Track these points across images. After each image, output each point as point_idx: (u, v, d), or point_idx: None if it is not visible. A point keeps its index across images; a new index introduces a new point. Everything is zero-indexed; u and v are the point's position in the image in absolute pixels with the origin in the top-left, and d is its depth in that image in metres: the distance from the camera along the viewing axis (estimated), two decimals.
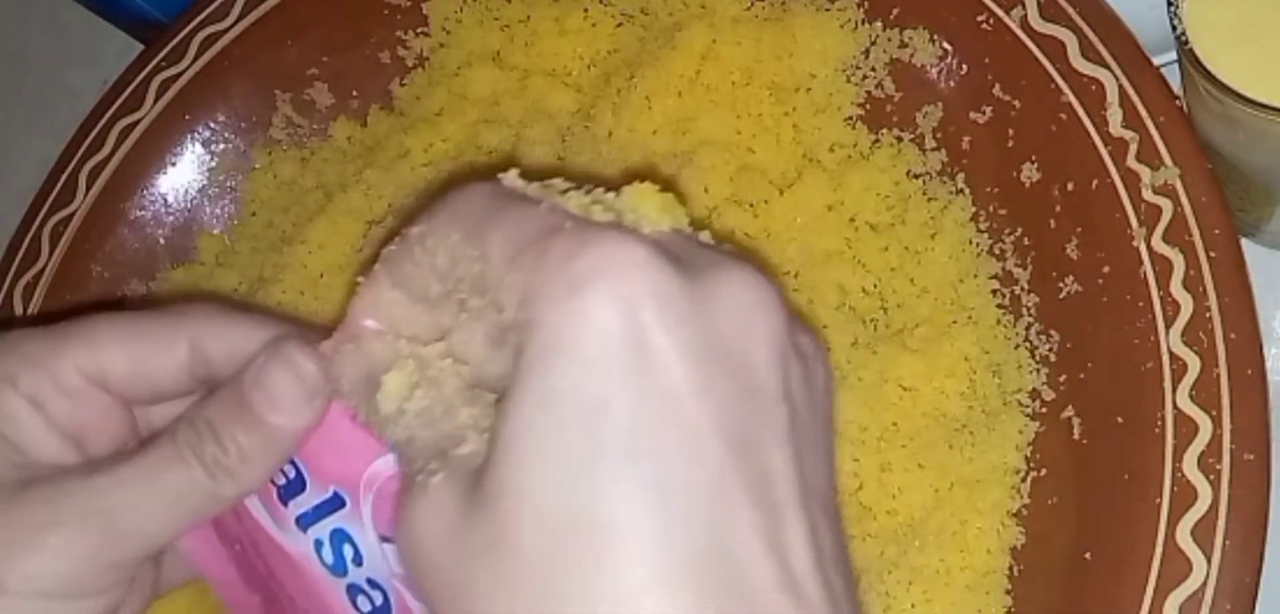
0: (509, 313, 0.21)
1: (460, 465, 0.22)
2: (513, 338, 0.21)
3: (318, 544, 0.27)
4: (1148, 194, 0.35)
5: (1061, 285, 0.36)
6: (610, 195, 0.23)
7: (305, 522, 0.27)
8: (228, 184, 0.48)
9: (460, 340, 0.23)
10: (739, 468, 0.20)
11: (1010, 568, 0.35)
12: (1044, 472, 0.36)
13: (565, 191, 0.24)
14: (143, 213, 0.47)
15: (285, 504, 0.27)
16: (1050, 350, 0.37)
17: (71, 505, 0.26)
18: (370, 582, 0.27)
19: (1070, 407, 0.36)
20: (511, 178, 0.24)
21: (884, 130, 0.41)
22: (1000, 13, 0.39)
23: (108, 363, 0.27)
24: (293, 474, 0.27)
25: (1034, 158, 0.38)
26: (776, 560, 0.20)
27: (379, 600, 0.27)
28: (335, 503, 0.27)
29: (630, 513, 0.20)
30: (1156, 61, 0.36)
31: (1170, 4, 0.33)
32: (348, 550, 0.27)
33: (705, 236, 0.24)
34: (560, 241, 0.21)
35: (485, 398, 0.23)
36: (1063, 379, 0.36)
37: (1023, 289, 0.38)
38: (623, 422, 0.20)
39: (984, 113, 0.39)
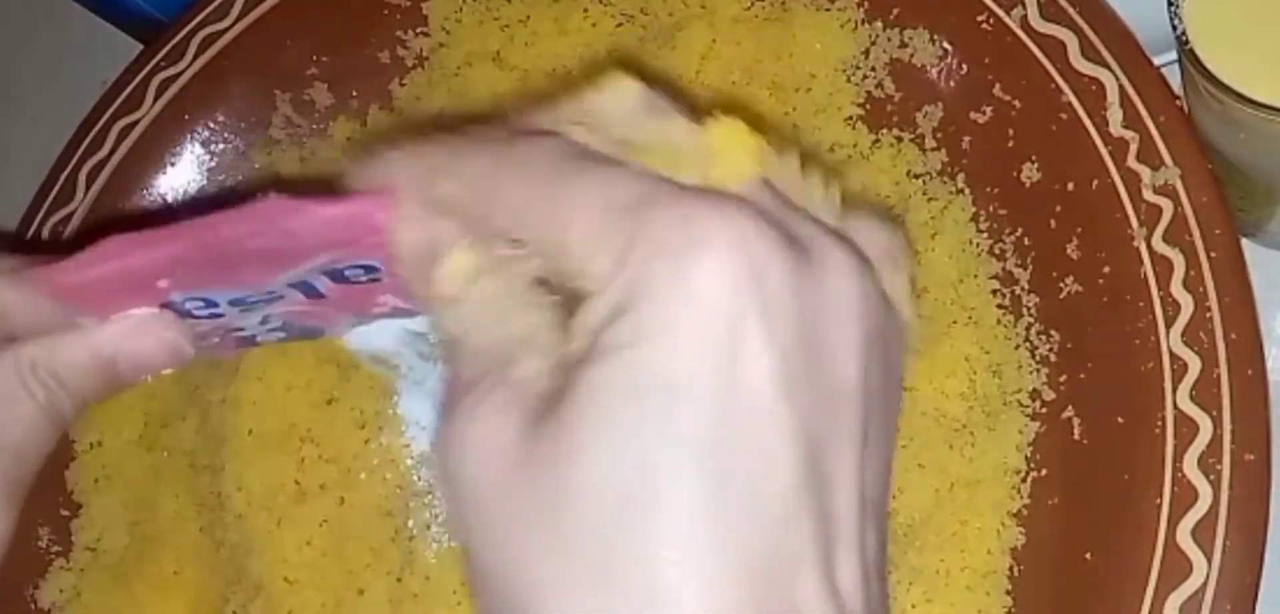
0: (590, 279, 0.21)
1: (516, 391, 0.21)
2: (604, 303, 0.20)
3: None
4: (1148, 194, 0.35)
5: (1062, 285, 0.36)
6: (693, 134, 0.22)
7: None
8: (227, 184, 0.48)
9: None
10: (807, 481, 0.20)
11: (1010, 568, 0.35)
12: (1044, 472, 0.36)
13: (639, 144, 0.22)
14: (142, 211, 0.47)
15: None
16: (1050, 350, 0.37)
17: None
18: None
19: (1070, 407, 0.36)
20: (587, 112, 0.23)
21: (884, 130, 0.41)
22: (1000, 13, 0.39)
23: None
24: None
25: (1034, 158, 0.38)
26: (826, 584, 0.20)
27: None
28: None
29: (691, 515, 0.19)
30: (1156, 61, 0.36)
31: (1170, 4, 0.33)
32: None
33: (791, 165, 0.23)
34: (661, 215, 0.20)
35: (542, 303, 0.22)
36: (1063, 379, 0.36)
37: (1023, 289, 0.38)
38: (705, 417, 0.19)
39: (984, 113, 0.39)
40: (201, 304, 0.27)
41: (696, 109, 0.23)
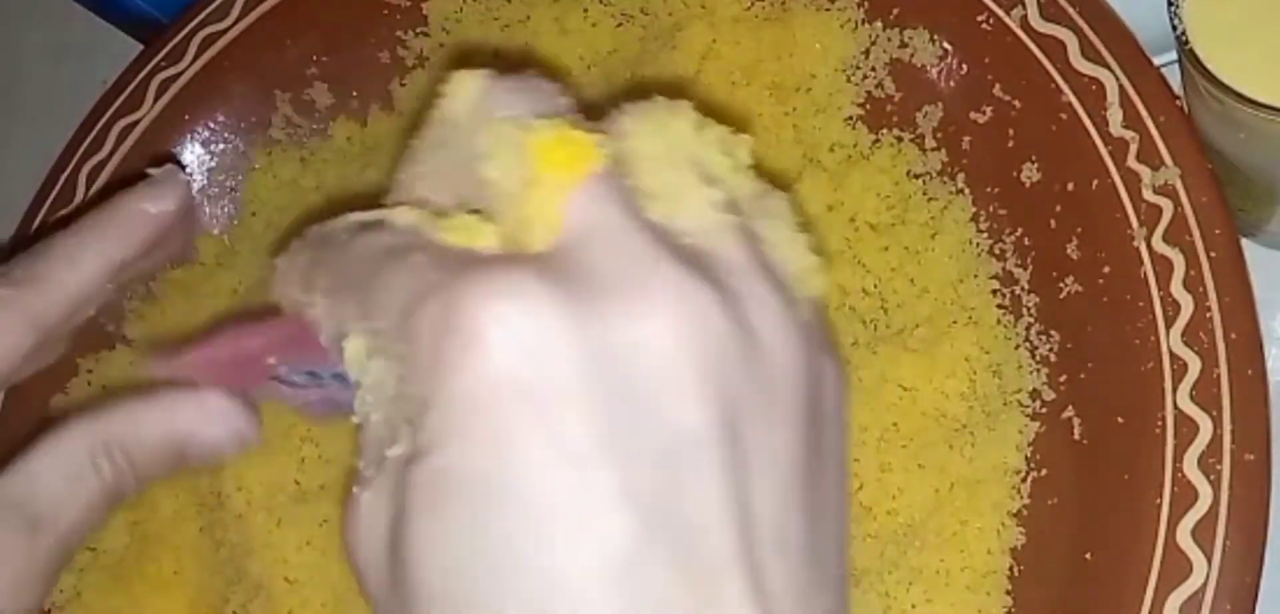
0: (405, 378, 0.20)
1: (389, 477, 0.20)
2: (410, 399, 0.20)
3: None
4: (1148, 194, 0.35)
5: (1062, 285, 0.36)
6: (518, 151, 0.21)
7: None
8: (227, 184, 0.48)
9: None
10: (654, 541, 0.18)
11: (1010, 568, 0.35)
12: (1044, 472, 0.36)
13: (442, 214, 0.21)
14: None
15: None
16: (1050, 350, 0.37)
17: None
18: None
19: (1070, 407, 0.36)
20: (358, 217, 0.23)
21: (884, 130, 0.41)
22: (1000, 13, 0.39)
23: None
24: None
25: (1034, 158, 0.38)
26: None
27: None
28: None
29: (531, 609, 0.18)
30: (1156, 61, 0.36)
31: (1170, 4, 0.33)
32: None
33: (661, 137, 0.22)
34: (430, 311, 0.19)
35: None
36: (1063, 379, 0.36)
37: (1023, 289, 0.38)
38: (519, 507, 0.18)
39: (984, 113, 0.39)
40: (305, 376, 0.28)
41: (556, 79, 0.22)
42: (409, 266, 0.21)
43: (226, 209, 0.48)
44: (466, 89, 0.22)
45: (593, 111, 0.23)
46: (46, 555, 0.29)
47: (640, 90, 0.23)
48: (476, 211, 0.22)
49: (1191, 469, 0.32)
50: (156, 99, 0.47)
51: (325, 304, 0.23)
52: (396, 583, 0.20)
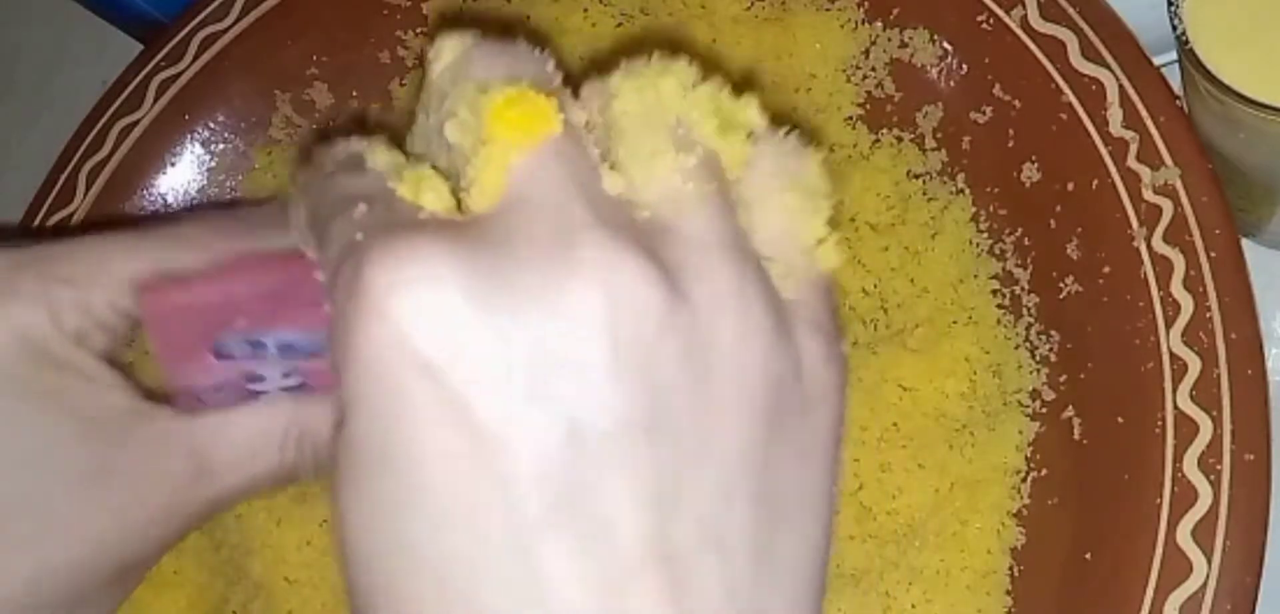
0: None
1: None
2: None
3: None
4: (1148, 194, 0.35)
5: (1062, 285, 0.36)
6: (476, 110, 0.20)
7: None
8: (228, 184, 0.48)
9: None
10: (557, 529, 0.17)
11: (1010, 568, 0.35)
12: (1044, 472, 0.36)
13: (405, 160, 0.22)
14: (143, 213, 0.47)
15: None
16: (1050, 350, 0.37)
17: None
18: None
19: (1070, 407, 0.36)
20: (347, 149, 0.23)
21: (884, 130, 0.41)
22: (1000, 13, 0.39)
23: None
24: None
25: (1034, 158, 0.38)
26: None
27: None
28: None
29: (420, 589, 0.18)
30: (1156, 61, 0.36)
31: (1170, 4, 0.33)
32: None
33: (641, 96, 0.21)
34: (345, 272, 0.19)
35: None
36: (1063, 379, 0.36)
37: (1023, 289, 0.38)
38: (415, 488, 0.18)
39: (984, 113, 0.39)
40: (248, 346, 0.27)
41: (545, 46, 0.22)
42: (349, 219, 0.20)
43: None
44: (448, 52, 0.22)
45: (586, 76, 0.23)
46: (197, 505, 0.28)
47: (638, 48, 0.22)
48: (439, 169, 0.21)
49: (1191, 469, 0.32)
50: (156, 99, 0.47)
51: (304, 237, 0.23)
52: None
